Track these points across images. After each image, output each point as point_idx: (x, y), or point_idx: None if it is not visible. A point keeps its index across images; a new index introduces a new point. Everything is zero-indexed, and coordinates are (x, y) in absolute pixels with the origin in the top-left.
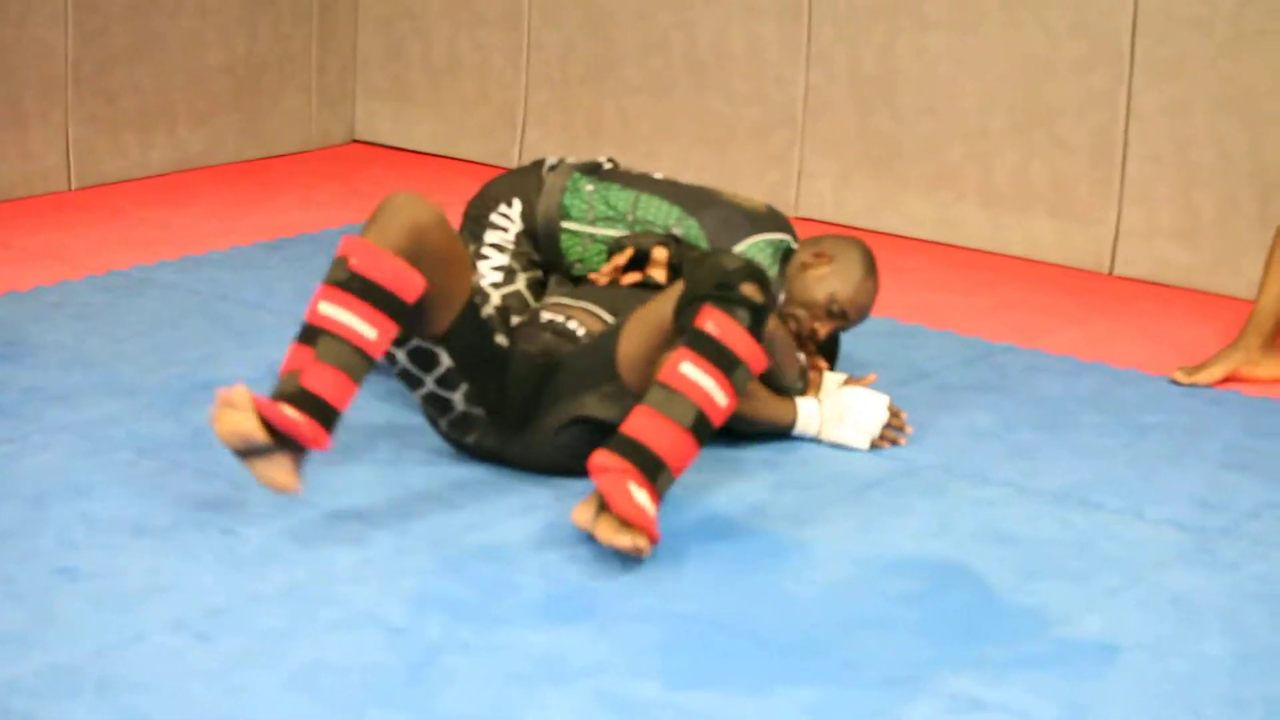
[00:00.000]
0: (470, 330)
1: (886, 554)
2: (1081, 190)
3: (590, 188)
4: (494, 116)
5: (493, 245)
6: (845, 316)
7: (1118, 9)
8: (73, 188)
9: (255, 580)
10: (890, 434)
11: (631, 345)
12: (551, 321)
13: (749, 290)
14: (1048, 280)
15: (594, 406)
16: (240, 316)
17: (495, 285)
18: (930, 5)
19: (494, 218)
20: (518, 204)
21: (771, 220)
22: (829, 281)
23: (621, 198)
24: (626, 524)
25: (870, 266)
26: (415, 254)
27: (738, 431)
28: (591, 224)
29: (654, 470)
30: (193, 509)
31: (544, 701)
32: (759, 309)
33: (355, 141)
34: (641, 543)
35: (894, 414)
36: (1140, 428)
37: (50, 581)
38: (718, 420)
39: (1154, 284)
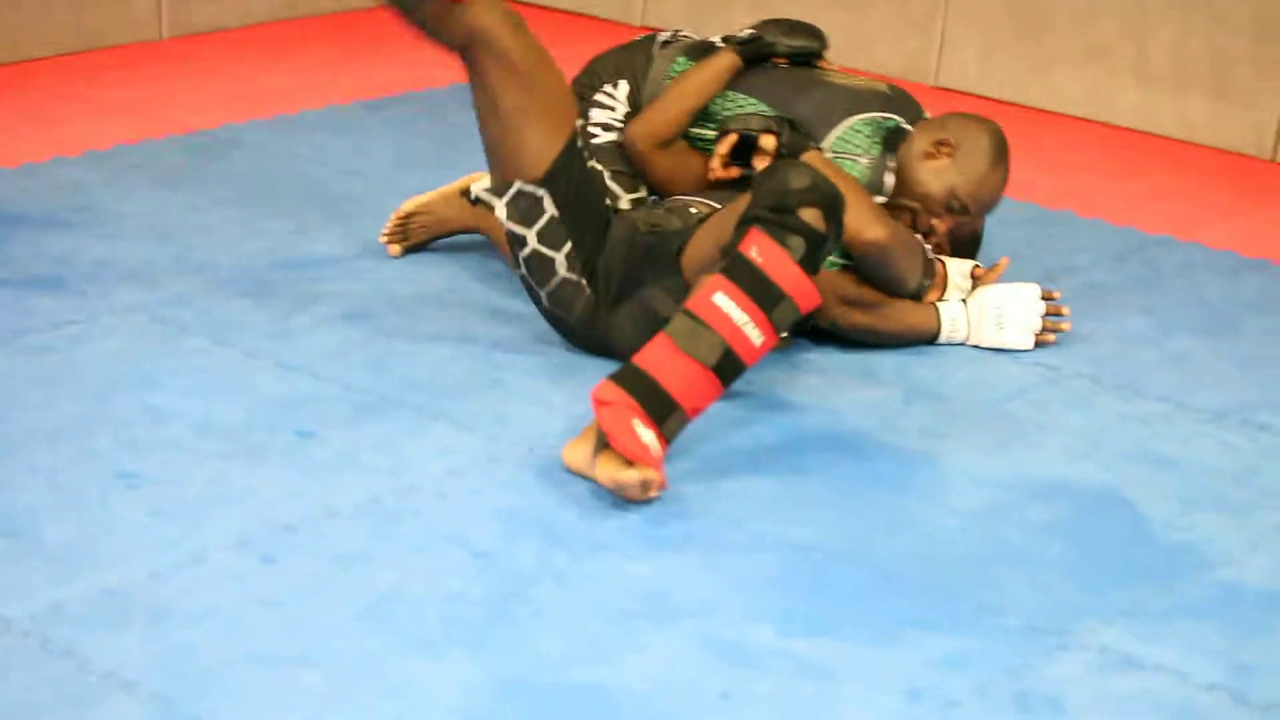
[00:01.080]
0: (574, 176)
1: (1029, 477)
2: (1243, 70)
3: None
4: None
5: (599, 125)
6: (966, 212)
7: None
8: (164, 37)
9: (330, 492)
10: (1051, 324)
11: (696, 247)
12: (666, 202)
13: (809, 216)
14: (1205, 165)
15: (658, 299)
16: (333, 184)
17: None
18: None
19: (599, 96)
20: (624, 85)
21: (882, 99)
22: (948, 174)
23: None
24: (630, 463)
25: (999, 156)
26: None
27: (873, 345)
28: (682, 117)
29: (663, 410)
30: (267, 407)
31: (644, 643)
32: (818, 239)
33: None
34: (651, 475)
35: (1049, 300)
36: None
37: (106, 488)
38: (749, 359)
39: None
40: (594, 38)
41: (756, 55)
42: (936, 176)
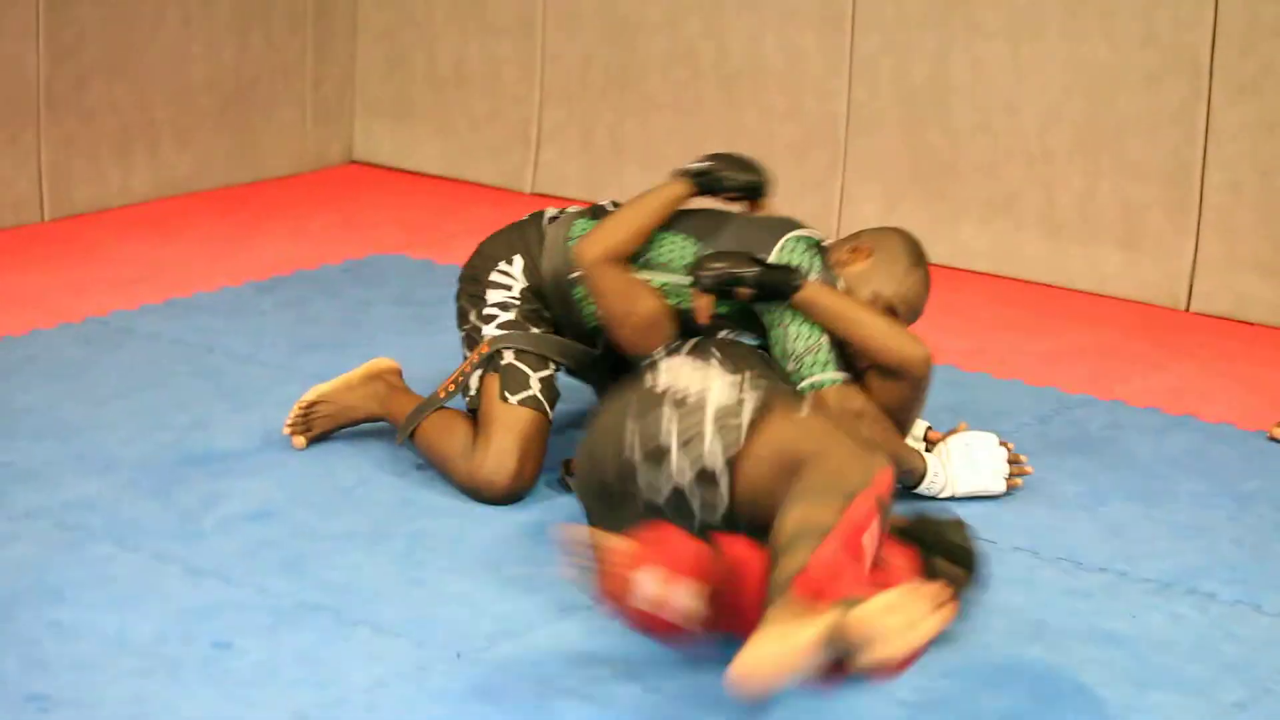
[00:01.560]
0: None
1: (978, 661)
2: (1154, 217)
3: None
4: (506, 134)
5: (496, 305)
6: (895, 314)
7: (1195, 17)
8: (46, 219)
9: (253, 709)
10: (1017, 469)
11: (750, 485)
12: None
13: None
14: (1119, 318)
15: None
16: (231, 372)
17: (505, 342)
18: (986, 11)
19: (494, 276)
20: (519, 260)
21: (795, 222)
22: (871, 277)
23: None
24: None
25: (916, 255)
26: None
27: None
28: None
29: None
30: (180, 616)
31: None
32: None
33: (354, 162)
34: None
35: (1008, 448)
36: (1242, 496)
37: (17, 712)
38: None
39: (1236, 321)
40: (483, 204)
41: (707, 188)
42: (861, 281)
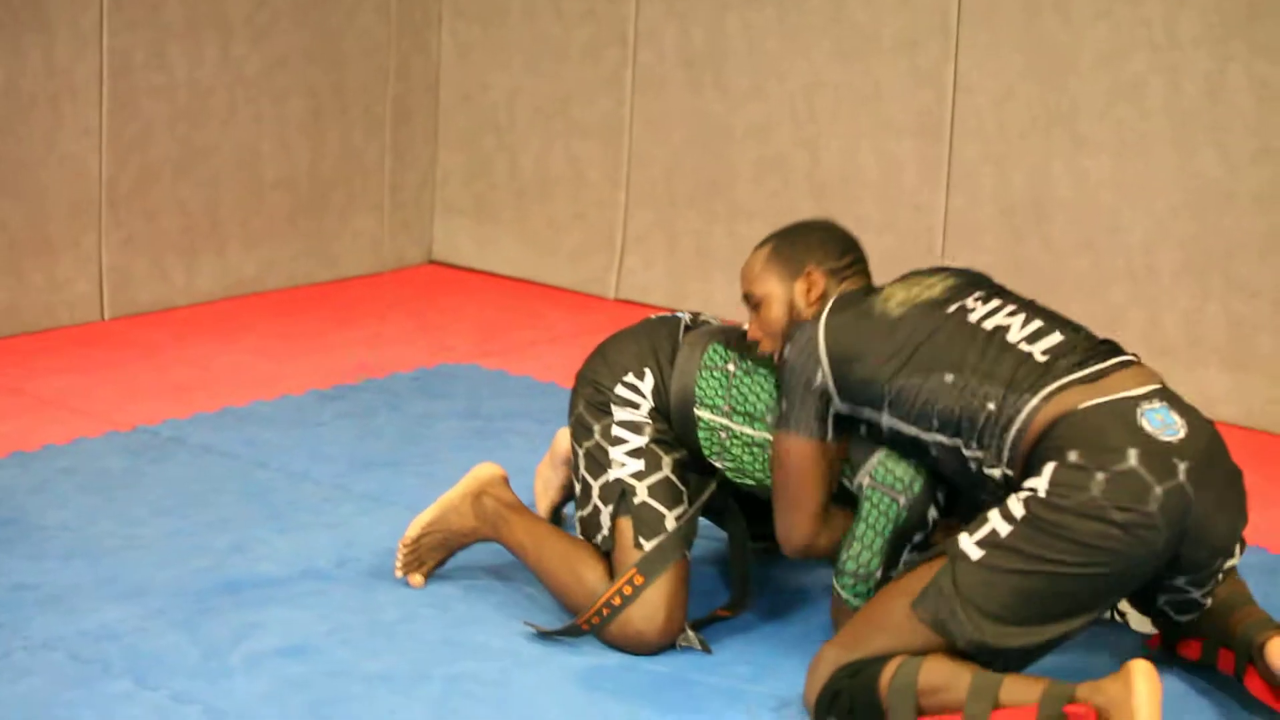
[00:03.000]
0: None
1: None
2: (1264, 340)
3: (732, 367)
4: (589, 238)
5: (625, 425)
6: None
7: None
8: (106, 318)
9: None
10: None
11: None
12: None
13: None
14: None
15: None
16: (281, 489)
17: (638, 475)
18: (1090, 123)
19: (620, 390)
20: (650, 377)
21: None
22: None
23: (763, 387)
24: None
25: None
26: None
27: None
28: (728, 417)
29: None
30: None
31: None
32: None
33: (433, 263)
34: None
35: None
36: None
37: None
38: None
39: None
40: (562, 309)
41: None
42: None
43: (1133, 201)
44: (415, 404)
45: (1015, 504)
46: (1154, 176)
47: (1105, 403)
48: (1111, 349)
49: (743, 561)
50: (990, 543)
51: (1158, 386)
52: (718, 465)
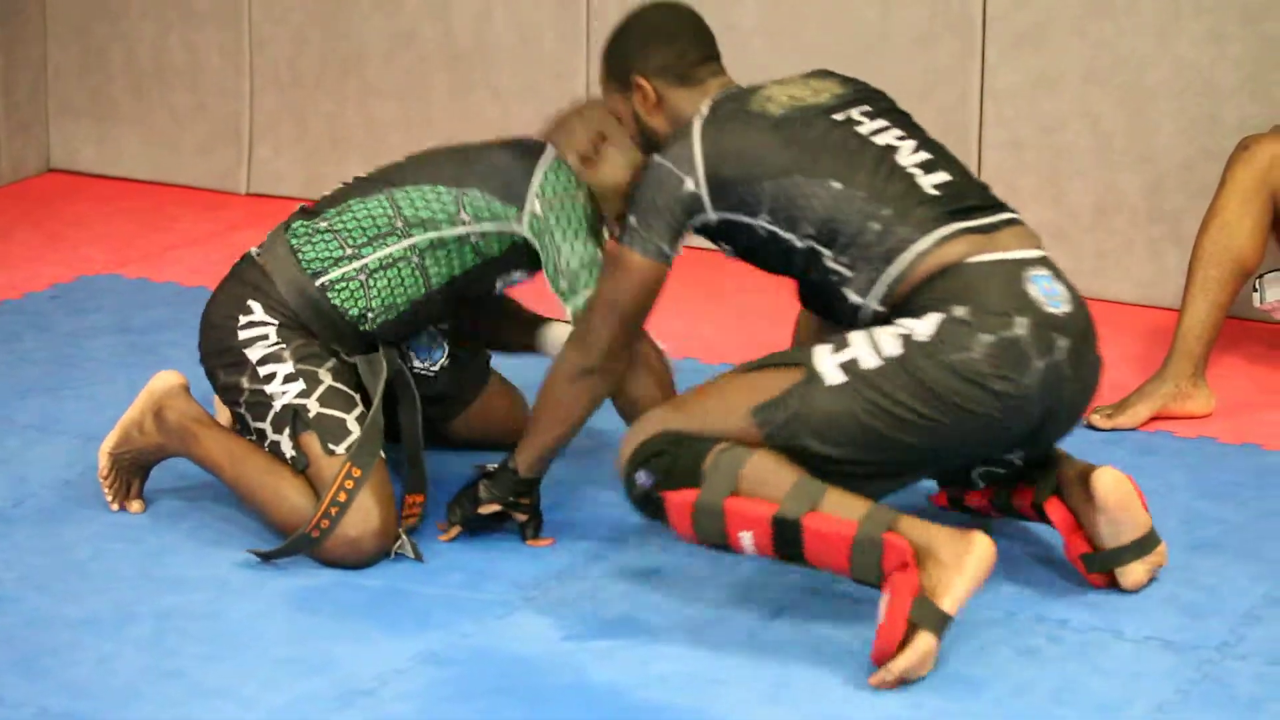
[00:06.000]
0: None
1: None
2: None
3: (323, 224)
4: (214, 131)
5: (263, 360)
6: None
7: None
8: None
9: None
10: None
11: None
12: None
13: None
14: None
15: None
16: None
17: (302, 394)
18: None
19: (242, 335)
20: (256, 305)
21: (531, 143)
22: (618, 160)
23: (373, 206)
24: None
25: None
26: None
27: None
28: (357, 255)
29: None
30: None
31: None
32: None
33: (52, 170)
34: None
35: None
36: None
37: None
38: None
39: None
40: (195, 209)
41: None
42: (611, 169)
43: None
44: (61, 323)
45: (888, 339)
46: None
47: (995, 261)
48: (998, 203)
49: (416, 443)
50: (851, 369)
51: (1043, 253)
52: (368, 327)
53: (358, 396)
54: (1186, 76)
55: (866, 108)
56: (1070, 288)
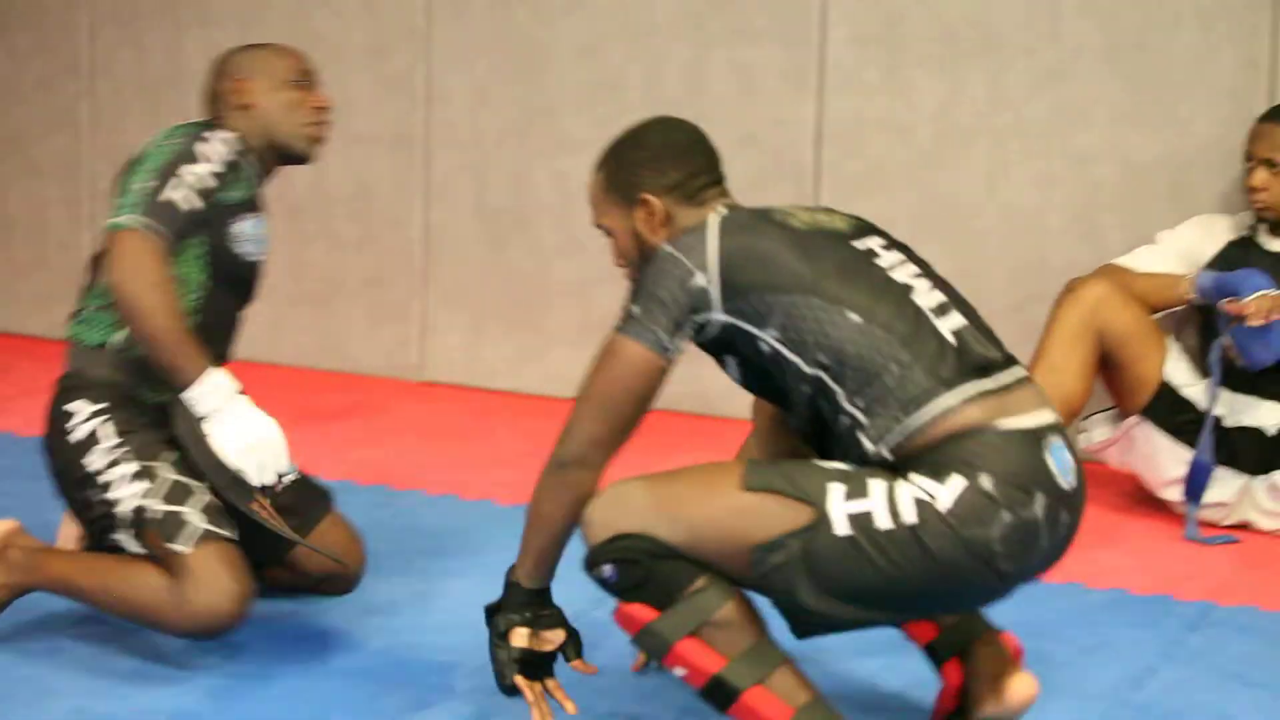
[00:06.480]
0: None
1: None
2: None
3: (86, 313)
4: (53, 284)
5: (104, 468)
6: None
7: None
8: None
9: None
10: None
11: None
12: None
13: None
14: None
15: None
16: None
17: (147, 494)
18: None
19: (74, 437)
20: (73, 404)
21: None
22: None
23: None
24: None
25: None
26: None
27: None
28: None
29: None
30: None
31: None
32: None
33: None
34: None
35: None
36: None
37: None
38: None
39: None
40: (34, 358)
41: None
42: (258, 131)
43: None
44: None
45: (905, 500)
46: None
47: (1021, 431)
48: (1009, 356)
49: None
50: (862, 525)
51: (1056, 418)
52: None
53: (198, 486)
54: (1014, 220)
55: (881, 240)
56: (1077, 457)
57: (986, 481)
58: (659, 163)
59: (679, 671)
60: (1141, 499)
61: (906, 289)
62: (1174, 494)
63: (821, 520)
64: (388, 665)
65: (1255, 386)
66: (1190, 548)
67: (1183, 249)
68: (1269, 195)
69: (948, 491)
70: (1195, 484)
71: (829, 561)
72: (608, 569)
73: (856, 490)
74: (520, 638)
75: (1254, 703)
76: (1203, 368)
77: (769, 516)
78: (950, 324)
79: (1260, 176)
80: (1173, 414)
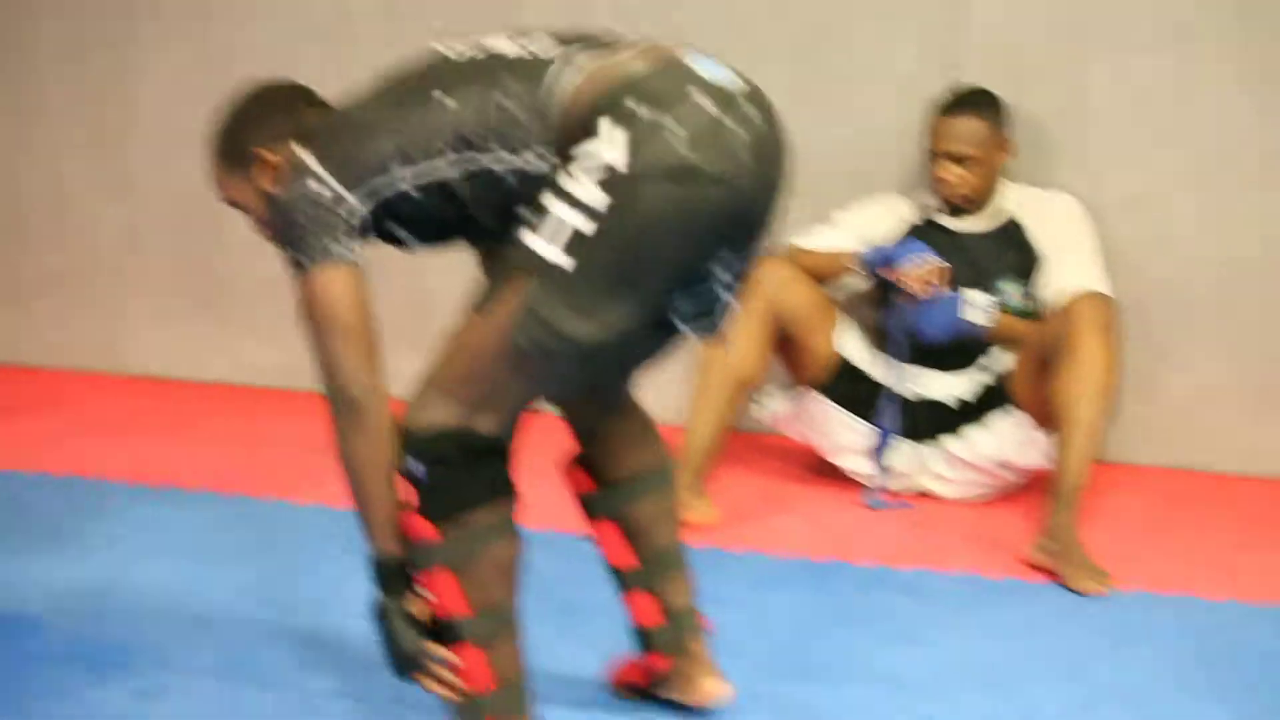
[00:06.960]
0: None
1: None
2: None
3: None
4: None
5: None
6: None
7: None
8: None
9: None
10: None
11: None
12: None
13: None
14: None
15: None
16: None
17: None
18: None
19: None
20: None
21: None
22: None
23: None
24: None
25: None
26: None
27: None
28: None
29: None
30: None
31: None
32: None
33: None
34: None
35: None
36: None
37: None
38: None
39: None
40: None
41: None
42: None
43: None
44: None
45: (586, 188)
46: None
47: (650, 61)
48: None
49: None
50: (577, 244)
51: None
52: None
53: None
54: None
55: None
56: (733, 69)
57: (631, 103)
58: (263, 117)
59: (428, 594)
60: (822, 469)
61: (482, 48)
62: (848, 463)
63: (544, 268)
64: None
65: (930, 358)
66: (867, 514)
67: (860, 225)
68: (960, 185)
69: (609, 150)
70: (876, 452)
71: (575, 289)
72: (413, 464)
73: (545, 225)
74: (418, 606)
75: (924, 659)
76: (879, 343)
77: (504, 312)
78: (541, 43)
79: (951, 170)
80: (847, 386)
